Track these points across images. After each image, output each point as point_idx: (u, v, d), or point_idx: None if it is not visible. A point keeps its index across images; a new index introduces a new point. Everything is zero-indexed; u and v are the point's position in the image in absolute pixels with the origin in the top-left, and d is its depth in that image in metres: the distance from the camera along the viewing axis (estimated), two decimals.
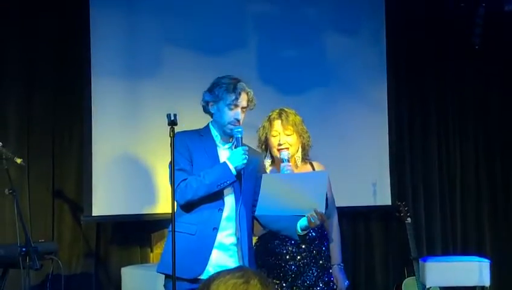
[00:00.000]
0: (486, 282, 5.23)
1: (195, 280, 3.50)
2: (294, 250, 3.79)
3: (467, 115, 6.34)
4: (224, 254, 3.56)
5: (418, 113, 6.25)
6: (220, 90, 3.64)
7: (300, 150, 3.88)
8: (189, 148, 3.61)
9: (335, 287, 3.88)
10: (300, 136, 3.86)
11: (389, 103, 5.99)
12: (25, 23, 5.32)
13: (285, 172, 3.69)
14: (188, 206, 3.57)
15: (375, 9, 6.03)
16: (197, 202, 3.54)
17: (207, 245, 3.53)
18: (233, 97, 3.60)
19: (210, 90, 3.69)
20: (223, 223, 3.55)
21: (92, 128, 5.28)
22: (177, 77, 5.33)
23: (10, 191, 3.89)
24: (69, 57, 5.41)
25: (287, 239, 3.80)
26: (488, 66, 6.31)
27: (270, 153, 3.92)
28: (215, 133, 3.70)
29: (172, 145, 3.41)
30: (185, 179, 3.52)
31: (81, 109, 5.35)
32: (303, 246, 3.78)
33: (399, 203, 5.63)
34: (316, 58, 5.85)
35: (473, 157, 6.33)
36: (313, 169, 3.95)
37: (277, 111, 3.92)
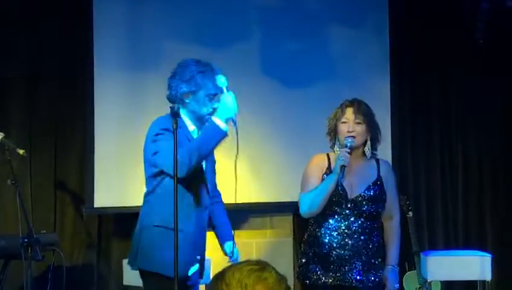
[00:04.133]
0: (488, 277, 5.23)
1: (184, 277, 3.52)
2: (338, 241, 3.77)
3: (470, 110, 6.32)
4: None
5: (421, 106, 6.24)
6: (198, 79, 3.56)
7: (369, 142, 3.81)
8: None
9: (380, 286, 3.87)
10: (370, 127, 3.80)
11: (391, 97, 5.98)
12: (29, 17, 5.34)
13: (340, 159, 3.64)
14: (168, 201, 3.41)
15: (378, 2, 6.02)
16: (184, 194, 3.46)
17: (196, 244, 3.57)
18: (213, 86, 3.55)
19: (186, 80, 3.57)
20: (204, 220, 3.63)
21: (94, 121, 5.30)
22: None
23: (12, 182, 3.90)
24: (72, 50, 5.42)
25: (333, 229, 3.80)
26: (491, 61, 6.28)
27: (339, 141, 3.87)
28: (189, 124, 3.61)
29: (175, 136, 3.36)
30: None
31: (83, 101, 5.37)
32: (348, 237, 3.78)
33: (401, 197, 5.62)
34: (319, 52, 5.84)
35: (475, 152, 6.32)
36: (378, 166, 3.91)
37: (350, 99, 3.84)
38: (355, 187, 3.79)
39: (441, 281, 5.51)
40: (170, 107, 3.45)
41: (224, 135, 3.41)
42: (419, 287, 5.49)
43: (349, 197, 3.76)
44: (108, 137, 5.30)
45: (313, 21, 5.82)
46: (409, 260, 5.63)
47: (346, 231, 3.77)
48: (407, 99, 6.19)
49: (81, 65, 5.37)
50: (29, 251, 3.80)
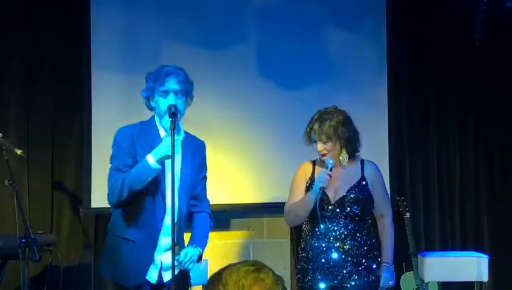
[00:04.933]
0: (485, 277, 5.22)
1: (138, 287, 3.56)
2: (326, 244, 3.88)
3: (467, 111, 6.33)
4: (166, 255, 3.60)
5: (418, 109, 6.24)
6: (149, 83, 3.62)
7: (344, 150, 3.93)
8: (135, 145, 3.57)
9: (373, 284, 3.94)
10: (338, 139, 3.88)
11: (388, 100, 5.98)
12: (26, 16, 5.34)
13: (320, 180, 3.80)
14: (128, 209, 3.57)
15: (376, 5, 6.01)
16: (136, 206, 3.53)
17: (149, 253, 3.56)
18: (162, 83, 3.57)
19: (145, 84, 3.66)
20: (164, 229, 3.57)
21: (91, 121, 5.30)
22: None
23: (10, 182, 3.89)
24: (69, 51, 5.43)
25: (321, 233, 3.89)
26: (489, 63, 6.29)
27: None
28: (160, 127, 3.65)
29: (173, 137, 3.39)
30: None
31: (81, 101, 5.37)
32: (336, 240, 3.88)
33: (398, 198, 5.63)
34: (316, 54, 5.83)
35: (472, 153, 6.32)
36: (362, 167, 4.00)
37: (312, 122, 3.94)
38: (338, 190, 3.91)
39: (438, 282, 5.50)
40: (168, 107, 3.48)
41: (153, 173, 3.45)
42: (417, 288, 5.50)
43: (332, 201, 3.88)
44: (106, 137, 5.25)
45: (311, 24, 5.82)
46: (406, 261, 5.64)
47: (333, 234, 3.89)
48: (404, 101, 6.19)
49: (78, 66, 5.38)
50: (27, 251, 3.79)
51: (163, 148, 3.43)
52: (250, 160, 5.61)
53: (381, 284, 3.96)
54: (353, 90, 5.85)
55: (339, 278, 3.87)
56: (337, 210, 3.88)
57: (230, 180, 5.54)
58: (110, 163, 3.61)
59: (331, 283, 3.88)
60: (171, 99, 3.53)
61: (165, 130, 3.59)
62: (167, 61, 5.31)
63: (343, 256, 3.86)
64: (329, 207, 3.88)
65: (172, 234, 3.37)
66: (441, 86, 6.27)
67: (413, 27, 6.18)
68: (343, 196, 3.89)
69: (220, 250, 5.54)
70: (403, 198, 5.64)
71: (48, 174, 5.35)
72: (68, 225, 5.40)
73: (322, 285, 3.88)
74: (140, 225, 3.55)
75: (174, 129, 3.39)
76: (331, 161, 3.85)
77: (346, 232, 3.88)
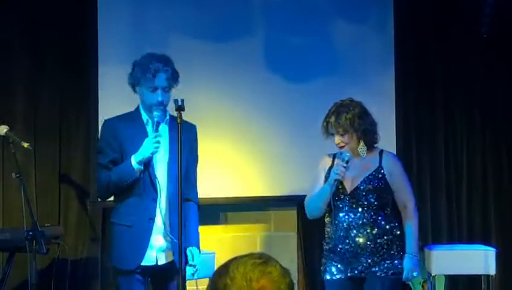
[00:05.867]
0: (492, 270, 5.22)
1: (135, 269, 3.62)
2: (344, 235, 3.91)
3: (474, 103, 6.31)
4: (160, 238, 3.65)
5: (424, 100, 6.22)
6: (137, 72, 3.65)
7: (361, 142, 3.95)
8: (119, 137, 3.65)
9: (395, 275, 3.94)
10: (355, 132, 3.92)
11: (396, 92, 5.96)
12: (32, 8, 5.32)
13: (335, 172, 3.86)
14: (119, 197, 3.68)
15: None
16: (128, 192, 3.62)
17: (144, 236, 3.61)
18: (150, 79, 3.59)
19: (131, 71, 3.70)
20: (157, 212, 3.61)
21: (98, 114, 5.29)
22: (183, 64, 5.24)
23: (17, 175, 3.89)
24: (76, 43, 5.42)
25: (339, 224, 3.92)
26: (495, 54, 6.26)
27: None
28: (145, 117, 3.70)
29: (180, 131, 3.41)
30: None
31: (88, 93, 5.37)
32: (353, 230, 3.91)
33: None
34: (322, 46, 5.82)
35: (479, 146, 6.30)
36: (380, 158, 4.01)
37: (329, 115, 3.99)
38: (355, 180, 3.94)
39: (445, 275, 5.50)
40: (174, 100, 3.50)
41: (134, 174, 3.57)
42: (424, 281, 5.49)
43: (348, 191, 3.92)
44: None
45: (317, 16, 5.81)
46: None
47: (351, 224, 3.92)
48: (412, 93, 6.17)
49: (85, 59, 5.37)
50: (34, 244, 3.80)
51: (144, 150, 3.55)
52: (257, 153, 5.60)
53: (403, 276, 3.95)
54: (360, 81, 5.82)
55: (359, 268, 3.89)
56: (353, 200, 3.91)
57: (237, 173, 5.54)
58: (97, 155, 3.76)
59: (351, 274, 3.90)
60: (158, 96, 3.61)
61: (150, 119, 3.67)
62: (174, 53, 5.29)
63: (361, 246, 3.88)
64: (346, 197, 3.92)
65: (179, 225, 3.39)
66: (447, 76, 6.25)
67: (420, 18, 6.16)
68: (358, 185, 3.92)
69: (226, 243, 5.54)
70: None
71: (55, 167, 5.36)
72: (75, 218, 5.40)
73: (342, 276, 3.91)
74: (133, 209, 3.61)
75: (181, 123, 3.45)
76: (347, 154, 3.89)
77: (363, 222, 3.90)
